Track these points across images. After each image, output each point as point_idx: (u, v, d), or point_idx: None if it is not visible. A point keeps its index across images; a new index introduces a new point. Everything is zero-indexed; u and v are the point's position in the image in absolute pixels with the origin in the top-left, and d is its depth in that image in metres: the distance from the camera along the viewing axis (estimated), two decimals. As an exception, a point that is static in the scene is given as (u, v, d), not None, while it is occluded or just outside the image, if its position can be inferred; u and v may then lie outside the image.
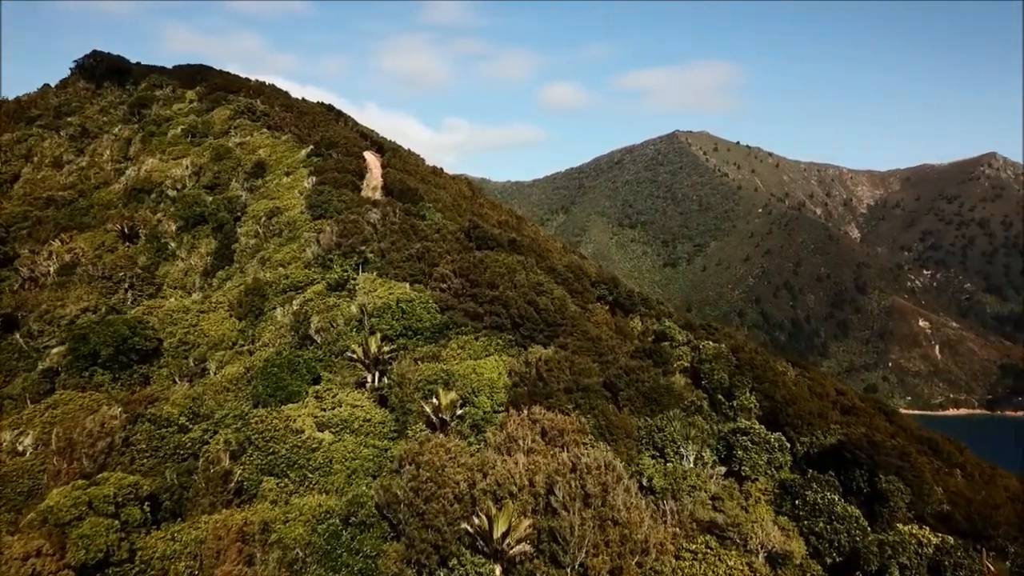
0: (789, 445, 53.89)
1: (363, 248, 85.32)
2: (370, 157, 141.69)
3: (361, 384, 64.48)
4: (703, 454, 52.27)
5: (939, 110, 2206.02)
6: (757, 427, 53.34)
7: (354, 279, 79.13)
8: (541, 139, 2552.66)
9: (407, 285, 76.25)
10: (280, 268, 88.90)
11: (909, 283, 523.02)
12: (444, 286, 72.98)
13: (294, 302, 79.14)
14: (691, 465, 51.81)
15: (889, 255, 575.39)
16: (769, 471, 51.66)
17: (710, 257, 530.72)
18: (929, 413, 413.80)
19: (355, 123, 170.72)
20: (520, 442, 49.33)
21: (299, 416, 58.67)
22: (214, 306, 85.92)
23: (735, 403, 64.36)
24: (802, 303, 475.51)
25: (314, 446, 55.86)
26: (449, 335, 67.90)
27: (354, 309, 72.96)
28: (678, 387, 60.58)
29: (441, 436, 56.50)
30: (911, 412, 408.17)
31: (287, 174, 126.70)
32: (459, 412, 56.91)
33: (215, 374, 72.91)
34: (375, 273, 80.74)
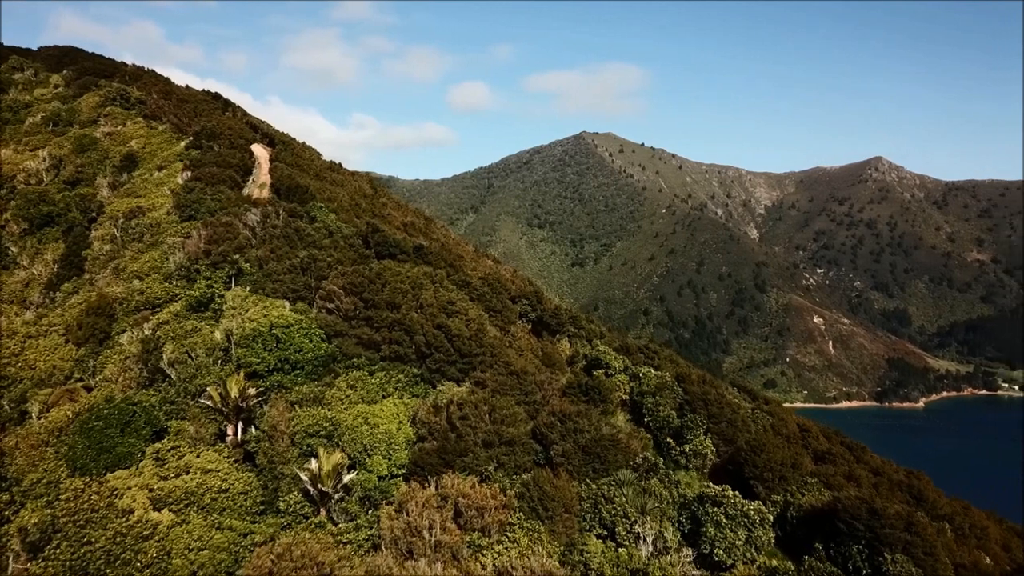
0: (771, 516, 41.68)
1: (236, 257, 68.98)
2: (260, 151, 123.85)
3: (221, 437, 48.99)
4: (664, 532, 39.36)
5: (830, 114, 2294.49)
6: (731, 495, 40.61)
7: (221, 296, 62.91)
8: (450, 138, 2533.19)
9: (287, 304, 60.65)
10: (135, 280, 71.58)
11: (804, 281, 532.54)
12: (332, 306, 57.86)
13: (145, 325, 62.48)
14: (650, 549, 38.81)
15: (786, 254, 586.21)
16: (748, 553, 39.25)
17: (616, 257, 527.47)
18: (824, 406, 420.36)
19: (245, 114, 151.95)
20: (426, 534, 35.07)
21: (129, 489, 42.76)
22: (47, 329, 68.08)
23: (687, 448, 52.00)
24: (705, 301, 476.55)
25: (146, 532, 40.11)
26: (337, 369, 52.95)
27: (218, 335, 57.09)
28: (623, 433, 47.62)
29: (321, 514, 41.43)
30: (807, 406, 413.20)
31: (160, 168, 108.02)
32: (345, 480, 42.19)
33: (36, 419, 55.75)
34: (249, 288, 64.82)
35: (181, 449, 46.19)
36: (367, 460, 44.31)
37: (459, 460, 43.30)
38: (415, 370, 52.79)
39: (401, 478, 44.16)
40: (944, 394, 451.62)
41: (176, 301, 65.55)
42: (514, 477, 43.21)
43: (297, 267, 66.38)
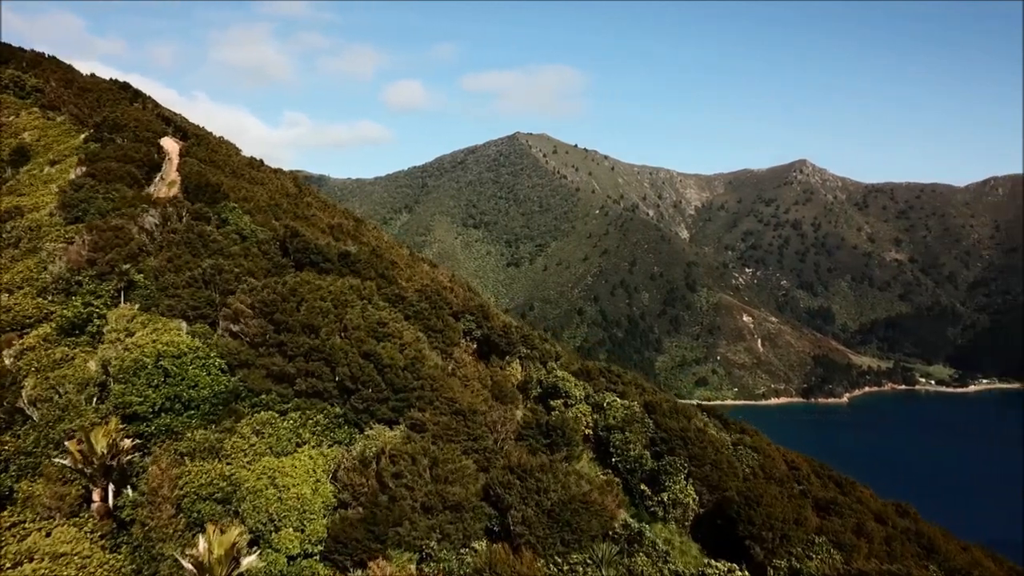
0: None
1: (127, 267, 57.24)
2: (171, 145, 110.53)
3: (86, 502, 37.90)
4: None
5: (757, 117, 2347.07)
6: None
7: (102, 316, 51.17)
8: (386, 137, 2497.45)
9: (184, 325, 49.51)
10: (5, 295, 59.19)
11: (733, 281, 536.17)
12: (237, 328, 47.09)
13: (6, 352, 50.43)
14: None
15: (715, 254, 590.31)
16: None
17: (551, 257, 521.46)
18: (753, 403, 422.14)
19: (157, 105, 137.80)
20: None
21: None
22: None
23: (666, 497, 43.18)
24: (637, 301, 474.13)
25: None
26: (241, 410, 42.32)
27: (92, 366, 45.75)
28: (595, 489, 38.33)
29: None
30: (738, 403, 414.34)
31: (53, 163, 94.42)
32: (244, 566, 31.75)
33: None
34: (140, 305, 53.35)
35: (27, 525, 34.90)
36: (273, 535, 33.88)
37: (392, 532, 33.29)
38: (337, 409, 42.51)
39: (318, 557, 33.90)
40: (866, 389, 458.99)
41: (50, 321, 53.53)
42: (463, 552, 33.47)
43: (199, 279, 54.99)
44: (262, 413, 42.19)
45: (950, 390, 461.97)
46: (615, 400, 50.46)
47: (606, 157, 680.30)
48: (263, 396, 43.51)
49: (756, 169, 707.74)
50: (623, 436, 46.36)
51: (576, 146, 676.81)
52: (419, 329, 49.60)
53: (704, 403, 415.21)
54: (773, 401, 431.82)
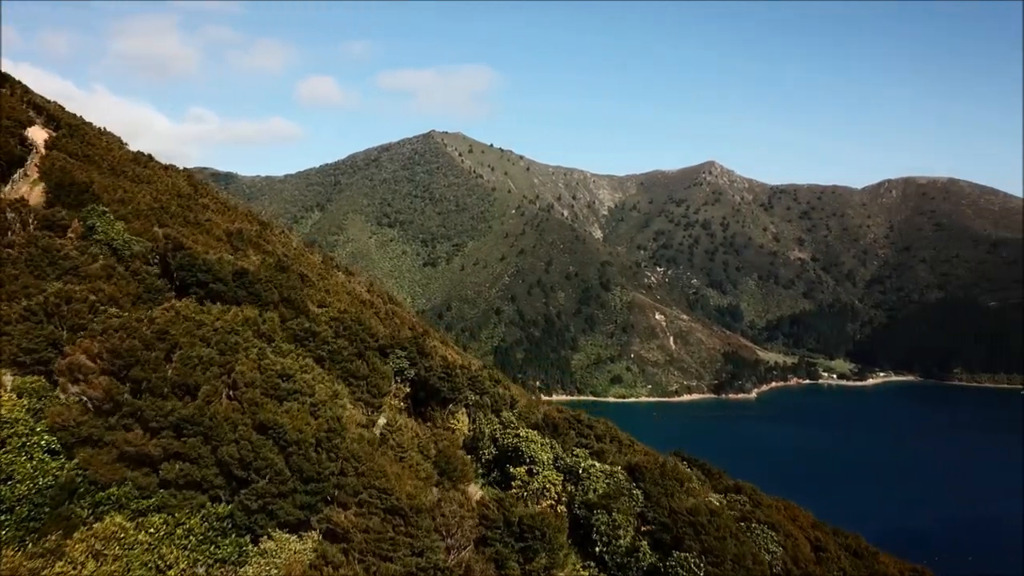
0: None
1: (-62, 294, 42.25)
2: (40, 136, 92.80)
3: None
4: None
5: (668, 119, 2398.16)
6: None
7: None
8: (297, 134, 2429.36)
9: (9, 379, 35.13)
10: None
11: (646, 280, 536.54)
12: (78, 389, 33.21)
13: None
14: None
15: (628, 254, 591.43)
16: None
17: (468, 257, 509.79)
18: (667, 399, 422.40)
19: (27, 91, 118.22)
20: None
21: None
22: None
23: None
24: (554, 300, 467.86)
25: None
26: (77, 512, 28.43)
27: None
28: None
29: None
30: (652, 400, 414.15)
31: None
32: None
33: None
34: (-52, 349, 38.59)
35: None
36: None
37: None
38: (221, 508, 29.22)
39: None
40: (773, 384, 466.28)
41: None
42: None
43: (39, 311, 40.17)
44: (108, 519, 28.39)
45: (850, 383, 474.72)
46: (593, 466, 38.76)
47: (521, 157, 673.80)
48: (112, 490, 29.57)
49: (667, 170, 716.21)
50: (609, 519, 34.85)
51: (492, 146, 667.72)
52: (336, 377, 36.58)
53: (621, 400, 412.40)
54: (686, 397, 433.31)
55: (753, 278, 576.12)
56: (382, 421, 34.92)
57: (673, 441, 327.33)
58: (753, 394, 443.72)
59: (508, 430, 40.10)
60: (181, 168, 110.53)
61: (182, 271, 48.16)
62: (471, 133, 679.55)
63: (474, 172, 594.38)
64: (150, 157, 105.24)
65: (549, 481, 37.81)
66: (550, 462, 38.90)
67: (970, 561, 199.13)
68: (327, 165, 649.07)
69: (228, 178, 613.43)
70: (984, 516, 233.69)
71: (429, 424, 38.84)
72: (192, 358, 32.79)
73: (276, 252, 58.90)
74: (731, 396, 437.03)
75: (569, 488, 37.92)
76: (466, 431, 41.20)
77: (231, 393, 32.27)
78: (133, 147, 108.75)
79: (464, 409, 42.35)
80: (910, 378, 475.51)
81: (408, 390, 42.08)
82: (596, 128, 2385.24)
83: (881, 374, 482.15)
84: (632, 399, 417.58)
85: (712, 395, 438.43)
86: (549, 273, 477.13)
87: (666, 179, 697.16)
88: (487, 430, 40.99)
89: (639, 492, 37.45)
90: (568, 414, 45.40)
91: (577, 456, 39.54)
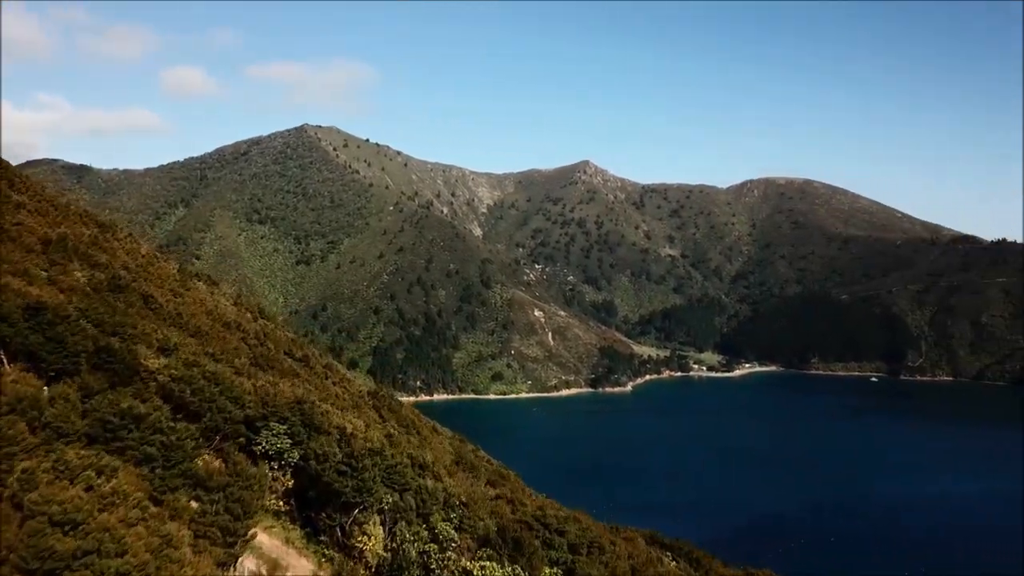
0: None
1: None
2: None
3: None
4: None
5: (544, 117, 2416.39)
6: None
7: None
8: (160, 126, 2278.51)
9: None
10: None
11: (525, 277, 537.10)
12: None
13: None
14: None
15: (507, 251, 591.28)
16: None
17: (344, 254, 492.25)
18: (546, 395, 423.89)
19: None
20: None
21: None
22: None
23: None
24: (434, 298, 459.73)
25: None
26: None
27: None
28: None
29: None
30: (532, 395, 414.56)
31: None
32: None
33: None
34: None
35: None
36: None
37: None
38: None
39: None
40: (647, 377, 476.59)
41: None
42: None
43: None
44: None
45: (719, 375, 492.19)
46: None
47: (399, 153, 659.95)
48: None
49: (544, 169, 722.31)
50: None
51: (368, 141, 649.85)
52: (172, 495, 22.86)
53: (502, 396, 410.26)
54: (564, 392, 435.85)
55: (626, 274, 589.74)
56: (250, 567, 22.61)
57: (553, 437, 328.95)
58: (629, 387, 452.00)
59: (448, 554, 28.00)
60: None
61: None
62: (348, 128, 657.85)
63: (350, 167, 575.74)
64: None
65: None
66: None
67: (832, 542, 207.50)
68: (192, 159, 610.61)
69: (82, 171, 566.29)
70: (848, 496, 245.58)
71: (324, 541, 26.61)
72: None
73: (114, 265, 49.35)
74: (608, 390, 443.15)
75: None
76: (381, 551, 27.29)
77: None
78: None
79: (377, 517, 28.58)
80: (773, 368, 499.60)
81: (291, 483, 26.93)
82: (474, 125, 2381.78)
83: (747, 365, 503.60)
84: (512, 396, 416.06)
85: (590, 389, 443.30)
86: (429, 271, 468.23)
87: (543, 178, 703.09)
88: (413, 552, 27.30)
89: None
90: (531, 509, 35.21)
91: (526, 562, 29.40)
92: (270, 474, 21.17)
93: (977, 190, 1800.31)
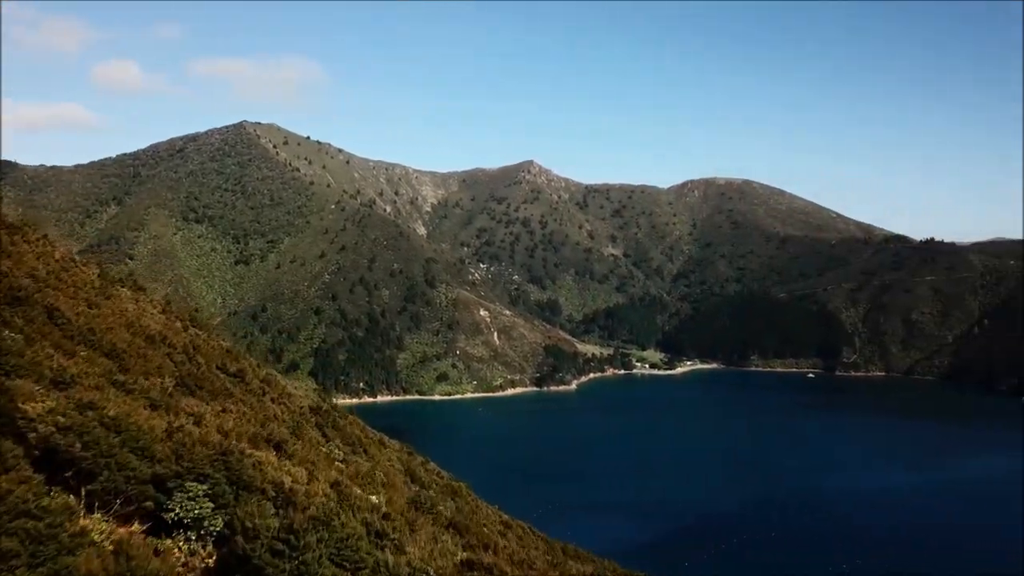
0: None
1: None
2: None
3: None
4: None
5: (488, 117, 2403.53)
6: None
7: None
8: (93, 121, 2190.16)
9: None
10: None
11: (470, 276, 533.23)
12: None
13: None
14: None
15: (452, 250, 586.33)
16: None
17: (285, 254, 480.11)
18: (492, 395, 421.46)
19: None
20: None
21: None
22: None
23: None
24: (377, 298, 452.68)
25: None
26: None
27: None
28: None
29: None
30: (477, 395, 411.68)
31: None
32: None
33: None
34: None
35: None
36: None
37: None
38: None
39: None
40: (592, 375, 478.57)
41: None
42: None
43: None
44: None
45: (661, 372, 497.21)
46: None
47: (340, 151, 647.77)
48: None
49: (488, 168, 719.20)
50: None
51: (308, 138, 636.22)
52: None
53: (447, 397, 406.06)
54: (509, 392, 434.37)
55: (571, 273, 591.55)
56: None
57: (499, 437, 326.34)
58: (573, 385, 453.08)
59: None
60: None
61: None
62: (297, 127, 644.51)
63: (290, 165, 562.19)
64: None
65: None
66: None
67: (773, 537, 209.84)
68: (126, 155, 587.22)
69: (6, 167, 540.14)
70: (787, 491, 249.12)
71: None
72: None
73: (16, 273, 44.12)
74: (553, 388, 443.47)
75: None
76: None
77: None
78: None
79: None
80: (714, 366, 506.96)
81: (213, 559, 22.74)
82: (418, 123, 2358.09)
83: (688, 363, 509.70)
84: (458, 396, 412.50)
85: (535, 388, 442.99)
86: (372, 271, 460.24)
87: (487, 177, 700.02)
88: None
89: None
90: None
91: None
92: (185, 549, 16.95)
93: (911, 192, 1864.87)
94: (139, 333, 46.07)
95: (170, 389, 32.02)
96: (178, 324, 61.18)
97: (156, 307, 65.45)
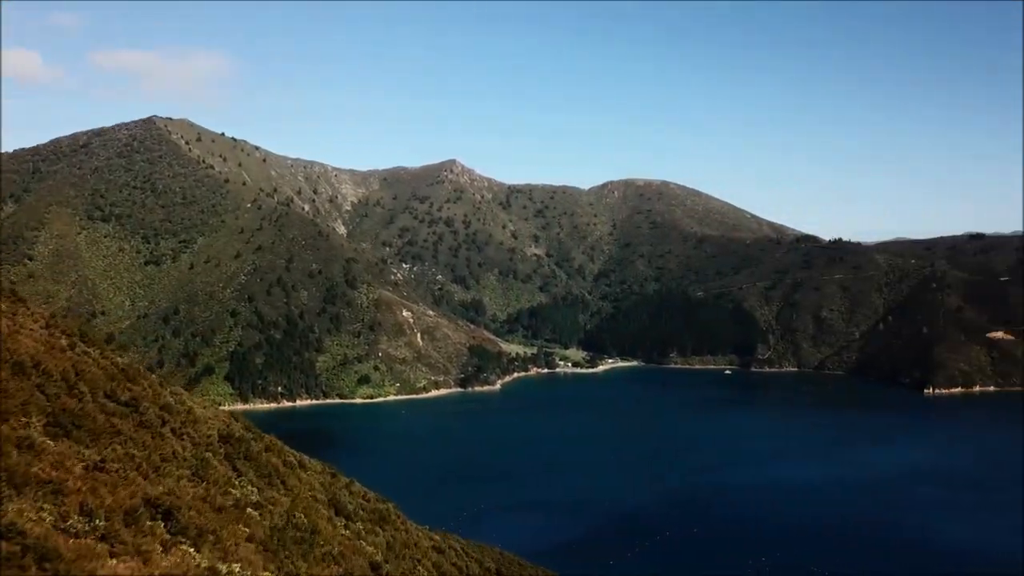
0: None
1: None
2: None
3: None
4: None
5: (408, 115, 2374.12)
6: None
7: None
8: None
9: None
10: None
11: (392, 276, 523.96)
12: None
13: None
14: None
15: (373, 250, 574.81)
16: None
17: (198, 254, 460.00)
18: (415, 397, 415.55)
19: None
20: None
21: None
22: None
23: None
24: (296, 299, 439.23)
25: None
26: None
27: None
28: None
29: None
30: (400, 397, 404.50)
31: None
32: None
33: None
34: None
35: None
36: None
37: None
38: None
39: None
40: (516, 375, 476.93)
41: None
42: None
43: None
44: None
45: (584, 371, 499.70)
46: None
47: (256, 148, 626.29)
48: None
49: (410, 167, 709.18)
50: None
51: (223, 135, 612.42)
52: None
53: (369, 400, 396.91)
54: (433, 393, 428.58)
55: (494, 273, 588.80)
56: None
57: (423, 439, 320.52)
58: (497, 385, 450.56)
59: None
60: None
61: None
62: (207, 122, 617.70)
63: (203, 162, 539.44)
64: None
65: None
66: None
67: (695, 532, 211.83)
68: (23, 150, 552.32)
69: None
70: (707, 487, 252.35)
71: None
72: None
73: None
74: (477, 388, 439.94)
75: None
76: None
77: None
78: None
79: None
80: (634, 363, 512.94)
81: None
82: (337, 121, 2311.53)
83: (610, 361, 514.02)
84: (380, 399, 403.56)
85: (459, 389, 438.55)
86: (290, 271, 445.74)
87: (409, 176, 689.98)
88: None
89: None
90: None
91: None
92: None
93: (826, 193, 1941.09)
94: (6, 359, 39.35)
95: (35, 435, 26.46)
96: (63, 341, 53.61)
97: (38, 321, 57.49)
